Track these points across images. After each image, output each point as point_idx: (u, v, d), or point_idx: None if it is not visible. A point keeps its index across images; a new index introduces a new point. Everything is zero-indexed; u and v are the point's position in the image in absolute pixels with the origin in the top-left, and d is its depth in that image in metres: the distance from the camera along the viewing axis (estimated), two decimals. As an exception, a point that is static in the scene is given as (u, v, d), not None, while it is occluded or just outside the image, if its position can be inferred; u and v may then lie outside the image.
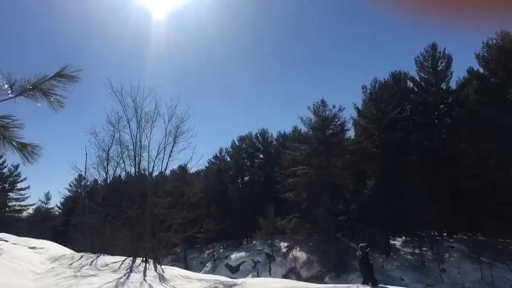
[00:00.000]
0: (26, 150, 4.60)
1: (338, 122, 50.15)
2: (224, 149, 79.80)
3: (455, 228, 47.08)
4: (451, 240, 45.59)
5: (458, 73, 70.60)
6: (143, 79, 75.19)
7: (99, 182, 28.93)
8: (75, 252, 18.32)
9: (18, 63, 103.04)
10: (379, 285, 15.16)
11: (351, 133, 55.43)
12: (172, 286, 13.56)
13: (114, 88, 19.22)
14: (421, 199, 39.84)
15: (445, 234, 47.66)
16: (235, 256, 56.99)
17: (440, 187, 44.96)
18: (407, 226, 45.32)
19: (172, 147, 19.87)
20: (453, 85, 49.35)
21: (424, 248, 43.30)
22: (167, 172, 27.22)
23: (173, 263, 47.24)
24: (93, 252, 18.17)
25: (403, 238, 50.00)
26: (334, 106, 49.31)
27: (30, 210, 72.89)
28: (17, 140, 4.56)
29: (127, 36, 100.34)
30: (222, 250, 65.43)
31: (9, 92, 4.22)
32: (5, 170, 63.92)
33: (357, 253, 15.98)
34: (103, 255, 16.91)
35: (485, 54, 43.40)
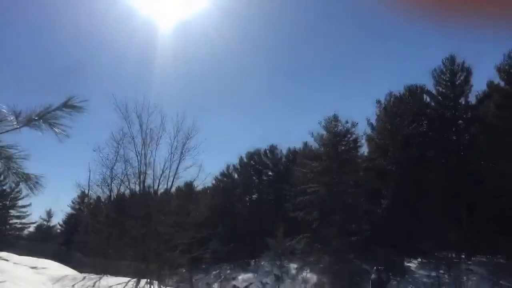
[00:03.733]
0: (31, 181, 4.79)
1: (351, 138, 50.09)
2: (231, 166, 78.82)
3: (474, 250, 46.75)
4: (469, 262, 45.17)
5: (477, 86, 70.26)
6: (149, 94, 75.52)
7: (102, 200, 29.21)
8: (77, 273, 18.49)
9: (21, 77, 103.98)
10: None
11: (364, 150, 55.44)
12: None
13: (118, 104, 19.44)
14: (438, 219, 39.78)
15: (463, 256, 47.19)
16: (243, 277, 56.76)
17: (458, 206, 44.69)
18: (423, 247, 45.16)
19: (178, 165, 20.05)
20: (472, 99, 49.13)
21: (441, 271, 42.93)
22: (173, 190, 27.31)
23: (178, 284, 47.19)
24: (96, 273, 18.29)
25: (419, 260, 49.72)
26: (346, 122, 49.26)
27: (32, 228, 73.20)
28: (22, 171, 4.75)
29: (132, 49, 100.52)
30: (229, 271, 65.32)
31: (14, 123, 4.42)
32: (5, 187, 64.06)
33: (371, 276, 15.90)
34: (106, 276, 17.04)
35: (506, 67, 43.32)
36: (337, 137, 48.70)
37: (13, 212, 66.83)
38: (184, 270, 54.10)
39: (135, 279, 16.78)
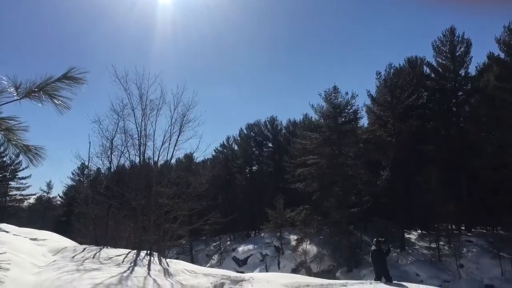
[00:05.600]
0: (31, 152, 4.75)
1: (351, 110, 50.04)
2: (231, 138, 79.50)
3: (474, 221, 47.01)
4: (469, 234, 45.45)
5: (477, 58, 69.81)
6: (149, 65, 75.08)
7: (102, 172, 29.16)
8: (77, 244, 18.51)
9: (21, 49, 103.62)
10: (394, 282, 14.87)
11: (364, 121, 55.35)
12: (177, 281, 13.54)
13: (118, 75, 19.17)
14: (438, 190, 39.83)
15: (463, 227, 47.49)
16: (243, 249, 57.15)
17: (458, 178, 44.77)
18: (423, 219, 45.42)
19: (178, 136, 19.85)
20: (472, 71, 48.97)
21: (441, 242, 43.24)
22: (173, 161, 27.22)
23: (179, 255, 47.59)
24: (96, 244, 18.33)
25: (419, 231, 50.01)
26: (346, 93, 49.24)
27: (32, 200, 73.39)
28: (22, 142, 4.71)
29: (132, 20, 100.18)
30: (229, 242, 65.74)
31: (14, 94, 4.37)
32: (5, 158, 63.90)
33: (371, 248, 15.81)
34: (106, 248, 17.03)
35: (506, 38, 43.09)
36: (337, 109, 48.63)
37: (13, 183, 66.87)
38: (184, 242, 54.58)
39: (135, 251, 16.78)
